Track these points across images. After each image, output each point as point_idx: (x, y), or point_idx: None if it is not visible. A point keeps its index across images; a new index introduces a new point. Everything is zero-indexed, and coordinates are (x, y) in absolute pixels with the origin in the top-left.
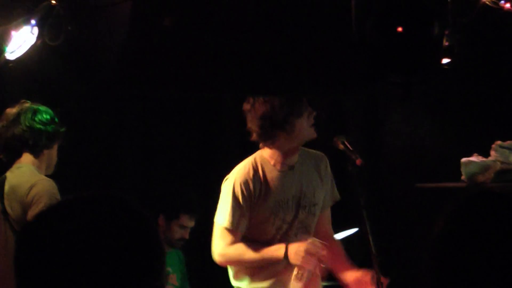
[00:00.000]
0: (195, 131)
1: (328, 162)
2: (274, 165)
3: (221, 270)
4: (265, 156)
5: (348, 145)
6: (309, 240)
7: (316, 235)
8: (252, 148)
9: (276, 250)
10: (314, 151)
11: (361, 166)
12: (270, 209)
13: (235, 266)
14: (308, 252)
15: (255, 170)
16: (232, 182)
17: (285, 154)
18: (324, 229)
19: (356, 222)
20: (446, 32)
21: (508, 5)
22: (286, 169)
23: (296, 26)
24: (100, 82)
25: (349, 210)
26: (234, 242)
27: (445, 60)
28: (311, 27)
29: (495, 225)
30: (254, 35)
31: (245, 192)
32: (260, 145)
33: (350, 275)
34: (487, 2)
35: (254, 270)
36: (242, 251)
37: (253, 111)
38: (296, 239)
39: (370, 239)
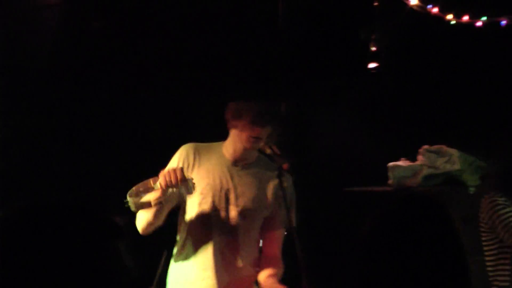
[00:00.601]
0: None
1: (290, 183)
2: (225, 154)
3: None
4: (223, 144)
5: (275, 150)
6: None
7: (263, 255)
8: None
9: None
10: (285, 172)
11: (288, 170)
12: (200, 189)
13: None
14: (170, 172)
15: (207, 147)
16: (181, 147)
17: (234, 149)
18: (272, 251)
19: (283, 226)
20: (373, 37)
21: (435, 10)
22: (233, 162)
23: (225, 30)
24: (30, 83)
25: None
26: None
27: (372, 65)
28: (240, 32)
29: (421, 229)
30: (183, 39)
31: (183, 159)
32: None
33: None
34: (414, 7)
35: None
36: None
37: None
38: (219, 232)
39: (297, 242)
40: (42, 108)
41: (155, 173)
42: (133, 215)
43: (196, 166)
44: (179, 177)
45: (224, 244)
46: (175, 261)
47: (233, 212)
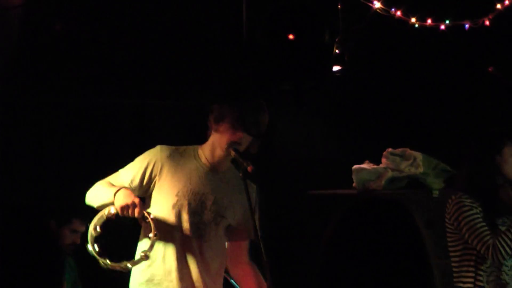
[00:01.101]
0: (87, 135)
1: (253, 190)
2: (201, 158)
3: (117, 277)
4: (199, 148)
5: (240, 152)
6: (137, 200)
7: (235, 263)
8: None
9: (114, 188)
10: (252, 184)
11: (252, 173)
12: (175, 192)
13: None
14: (129, 206)
15: (181, 151)
16: (153, 149)
17: (213, 154)
18: (244, 259)
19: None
20: (337, 40)
21: (399, 13)
22: (209, 168)
23: (188, 34)
24: None
25: None
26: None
27: (336, 68)
28: (203, 36)
29: (383, 232)
30: (146, 43)
31: (155, 161)
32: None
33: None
34: (378, 10)
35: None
36: (100, 184)
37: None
38: (191, 236)
39: (262, 246)
40: (3, 108)
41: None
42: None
43: (170, 169)
44: (137, 214)
45: (194, 247)
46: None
47: (207, 217)
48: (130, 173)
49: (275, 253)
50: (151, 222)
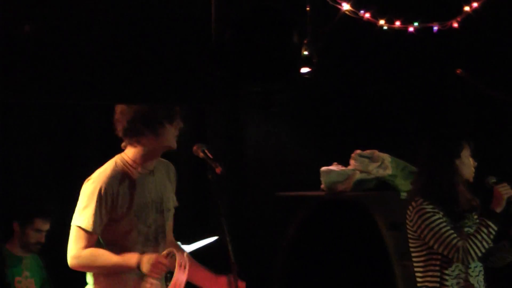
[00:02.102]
0: (50, 135)
1: (174, 169)
2: (136, 167)
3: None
4: (126, 158)
5: (209, 154)
6: (164, 252)
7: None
8: (109, 151)
9: (130, 259)
10: (162, 159)
11: (221, 175)
12: (133, 212)
13: (90, 272)
14: (159, 262)
15: (118, 172)
16: (94, 184)
17: (146, 157)
18: (170, 237)
19: (216, 231)
20: (305, 42)
21: (367, 15)
22: (147, 172)
23: (156, 34)
24: None
25: (209, 219)
26: (90, 245)
27: (304, 70)
28: (171, 36)
29: (341, 233)
30: (113, 44)
31: (108, 194)
32: (123, 145)
33: (205, 279)
34: (347, 12)
35: (111, 279)
36: (96, 255)
37: (128, 107)
38: (156, 243)
39: (230, 247)
40: None
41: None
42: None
43: (115, 193)
44: (165, 268)
45: (155, 251)
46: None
47: (161, 220)
48: (92, 223)
49: (242, 255)
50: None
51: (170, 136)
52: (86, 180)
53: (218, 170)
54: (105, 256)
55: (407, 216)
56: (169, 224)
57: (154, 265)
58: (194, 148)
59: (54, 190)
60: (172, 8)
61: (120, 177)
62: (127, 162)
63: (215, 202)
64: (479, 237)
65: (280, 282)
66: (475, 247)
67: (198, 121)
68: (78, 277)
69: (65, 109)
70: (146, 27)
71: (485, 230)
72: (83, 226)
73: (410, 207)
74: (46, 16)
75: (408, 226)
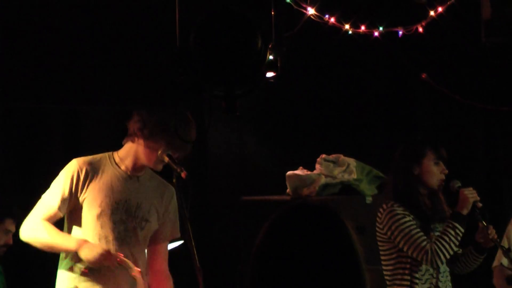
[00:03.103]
0: (19, 136)
1: (175, 196)
2: (120, 166)
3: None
4: (116, 155)
5: (173, 158)
6: (120, 256)
7: (151, 270)
8: (73, 154)
9: (71, 242)
10: (165, 181)
11: (186, 179)
12: (98, 202)
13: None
14: (103, 257)
15: (98, 161)
16: (72, 163)
17: (135, 162)
18: (159, 266)
19: (181, 235)
20: (270, 46)
21: (332, 20)
22: (129, 174)
23: (120, 38)
24: None
25: None
26: (47, 219)
27: (269, 74)
28: (135, 40)
29: (310, 237)
30: (75, 47)
31: (77, 174)
32: (124, 141)
33: None
34: (312, 17)
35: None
36: (43, 228)
37: (146, 119)
38: (117, 243)
39: (195, 252)
40: None
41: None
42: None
43: (91, 180)
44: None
45: (116, 250)
46: (64, 268)
47: (132, 224)
48: (55, 197)
49: (208, 260)
50: (127, 262)
51: (157, 152)
52: None
53: (183, 174)
54: (50, 232)
55: (377, 219)
56: (156, 253)
57: (100, 258)
58: (159, 152)
59: (17, 192)
60: (136, 11)
61: (95, 164)
62: (114, 159)
63: (180, 206)
64: (446, 238)
65: (249, 286)
66: (443, 249)
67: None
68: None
69: (31, 112)
70: (110, 30)
71: (452, 232)
72: (44, 197)
73: (381, 209)
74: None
75: (378, 229)
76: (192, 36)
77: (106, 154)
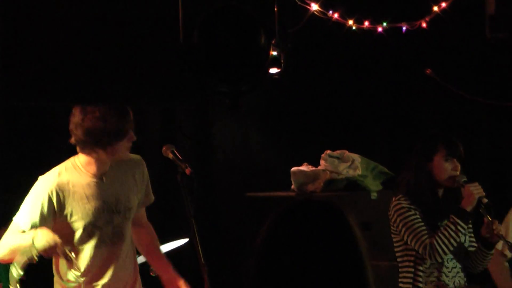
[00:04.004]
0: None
1: (145, 165)
2: (87, 172)
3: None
4: (78, 162)
5: (178, 154)
6: (57, 239)
7: (134, 224)
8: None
9: (27, 236)
10: (131, 155)
11: (190, 176)
12: (80, 214)
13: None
14: (50, 246)
15: (66, 174)
16: (39, 183)
17: (97, 165)
18: (141, 221)
19: (186, 232)
20: (273, 42)
21: (336, 16)
22: (98, 176)
23: (124, 35)
24: None
25: (179, 220)
26: None
27: (273, 70)
28: (139, 37)
29: (314, 232)
30: (80, 44)
31: (49, 195)
32: (78, 148)
33: (166, 277)
34: (316, 13)
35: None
36: (8, 238)
37: (82, 121)
38: (111, 243)
39: (200, 249)
40: None
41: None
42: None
43: (64, 197)
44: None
45: (115, 253)
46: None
47: (118, 220)
48: (28, 220)
49: (213, 256)
50: (73, 259)
51: (122, 149)
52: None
53: (188, 171)
54: (13, 239)
55: (389, 212)
56: (136, 216)
57: (46, 249)
58: (163, 148)
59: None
60: (140, 8)
61: (65, 179)
62: (78, 167)
63: (185, 203)
64: (446, 233)
65: (252, 283)
66: (442, 244)
67: (167, 122)
68: None
69: (32, 111)
70: (114, 27)
71: (452, 227)
72: (15, 221)
73: (391, 202)
74: (12, 14)
75: (390, 221)
76: (195, 33)
77: (69, 162)
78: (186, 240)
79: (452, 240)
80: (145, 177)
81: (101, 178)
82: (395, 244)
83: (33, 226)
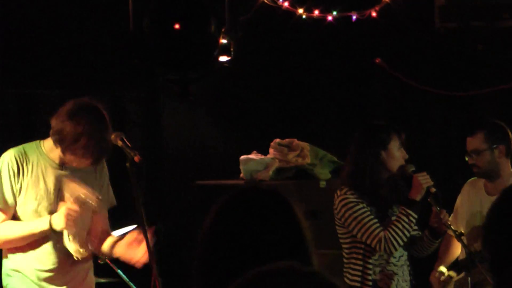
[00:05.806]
0: None
1: (104, 162)
2: (48, 155)
3: None
4: (45, 146)
5: (127, 142)
6: (64, 204)
7: (94, 233)
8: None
9: (40, 222)
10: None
11: (140, 163)
12: (34, 195)
13: (5, 248)
14: (68, 214)
15: (26, 151)
16: (3, 158)
17: (61, 157)
18: (104, 228)
19: (134, 219)
20: (223, 30)
21: (286, 4)
22: (59, 163)
23: (74, 22)
24: None
25: (128, 207)
26: (3, 220)
27: (223, 58)
28: (89, 24)
29: (258, 220)
30: (29, 32)
31: (15, 169)
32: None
33: (121, 244)
34: (266, 1)
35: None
36: (8, 227)
37: (56, 122)
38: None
39: (148, 236)
40: None
41: None
42: None
43: (26, 172)
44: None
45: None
46: (9, 264)
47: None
48: (8, 198)
49: (162, 244)
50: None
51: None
52: None
53: (137, 158)
54: (19, 225)
55: (334, 204)
56: (97, 220)
57: (66, 216)
58: (112, 136)
59: None
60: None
61: (28, 158)
62: (43, 149)
63: (134, 191)
64: (399, 225)
65: (199, 270)
66: (396, 236)
67: (116, 109)
68: None
69: None
70: (63, 15)
71: (405, 219)
72: None
73: (335, 195)
74: None
75: (334, 213)
76: (145, 21)
77: (34, 143)
78: (134, 226)
79: (405, 232)
80: (104, 173)
81: (59, 167)
82: (341, 236)
83: (9, 201)
